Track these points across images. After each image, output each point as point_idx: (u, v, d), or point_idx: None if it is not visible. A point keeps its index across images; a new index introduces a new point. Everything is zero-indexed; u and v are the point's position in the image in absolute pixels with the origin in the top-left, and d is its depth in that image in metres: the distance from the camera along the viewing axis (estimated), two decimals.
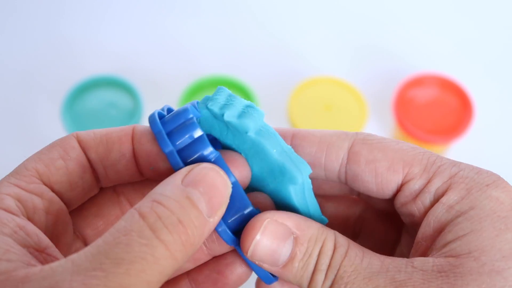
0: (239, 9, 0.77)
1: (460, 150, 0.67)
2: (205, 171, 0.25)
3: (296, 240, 0.26)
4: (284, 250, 0.26)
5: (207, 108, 0.28)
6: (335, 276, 0.25)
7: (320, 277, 0.26)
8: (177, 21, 0.75)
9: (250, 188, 0.29)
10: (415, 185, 0.27)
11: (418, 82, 0.63)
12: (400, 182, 0.28)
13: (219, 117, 0.28)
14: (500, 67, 0.74)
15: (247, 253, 0.26)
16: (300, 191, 0.28)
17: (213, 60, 0.72)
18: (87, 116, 0.60)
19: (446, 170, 0.27)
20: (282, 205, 0.29)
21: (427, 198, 0.27)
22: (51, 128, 0.65)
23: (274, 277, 0.29)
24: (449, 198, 0.26)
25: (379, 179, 0.28)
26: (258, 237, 0.26)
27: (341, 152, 0.28)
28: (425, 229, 0.26)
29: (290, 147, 0.28)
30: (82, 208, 0.30)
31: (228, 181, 0.26)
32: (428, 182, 0.27)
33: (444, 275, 0.24)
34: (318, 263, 0.26)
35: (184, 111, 0.28)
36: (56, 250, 0.26)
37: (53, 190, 0.27)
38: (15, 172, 0.27)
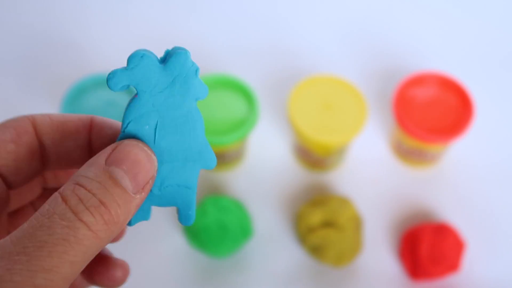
0: (238, 8, 0.77)
1: (460, 150, 0.67)
2: (129, 148, 0.25)
3: None
4: None
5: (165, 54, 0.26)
6: None
7: None
8: (177, 21, 0.75)
9: None
10: None
11: (418, 81, 0.63)
12: None
13: (178, 66, 0.26)
14: (501, 66, 0.74)
15: None
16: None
17: (212, 59, 0.72)
18: None
19: None
20: None
21: None
22: None
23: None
24: None
25: None
26: None
27: None
28: None
29: None
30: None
31: (152, 155, 0.26)
32: None
33: None
34: None
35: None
36: None
37: None
38: None
